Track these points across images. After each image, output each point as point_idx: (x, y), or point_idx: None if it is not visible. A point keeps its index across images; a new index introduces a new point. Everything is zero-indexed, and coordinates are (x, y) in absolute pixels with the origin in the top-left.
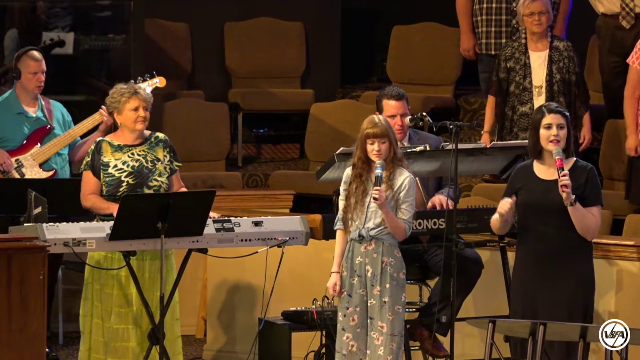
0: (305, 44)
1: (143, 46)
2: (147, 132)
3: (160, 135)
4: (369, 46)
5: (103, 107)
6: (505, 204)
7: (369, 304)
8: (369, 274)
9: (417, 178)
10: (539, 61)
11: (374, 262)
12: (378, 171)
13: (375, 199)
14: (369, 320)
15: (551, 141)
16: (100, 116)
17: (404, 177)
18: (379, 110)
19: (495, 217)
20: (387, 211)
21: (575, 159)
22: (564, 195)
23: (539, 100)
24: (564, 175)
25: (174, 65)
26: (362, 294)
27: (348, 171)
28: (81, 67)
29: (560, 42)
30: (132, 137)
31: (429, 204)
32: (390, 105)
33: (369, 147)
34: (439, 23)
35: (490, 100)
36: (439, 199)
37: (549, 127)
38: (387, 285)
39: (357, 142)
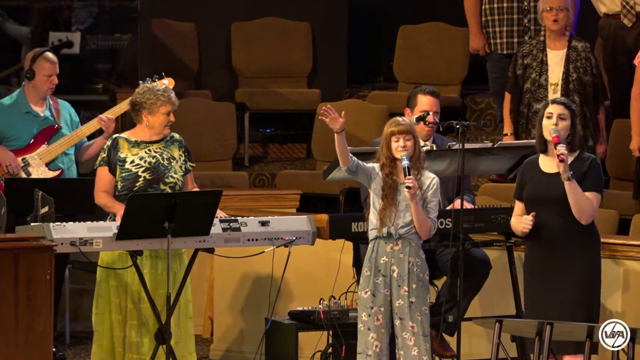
0: (312, 43)
1: (150, 46)
2: None
3: (176, 135)
4: (375, 46)
5: (101, 115)
6: (527, 223)
7: (397, 305)
8: (394, 274)
9: None
10: (556, 59)
11: (401, 262)
12: (405, 162)
13: (409, 187)
14: (398, 321)
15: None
16: (97, 123)
17: (431, 178)
18: (411, 105)
19: (517, 227)
20: (417, 202)
21: (579, 151)
22: (560, 168)
23: (554, 97)
24: (561, 146)
25: (180, 65)
26: (386, 294)
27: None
28: (88, 67)
29: (579, 42)
30: (150, 134)
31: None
32: (424, 101)
33: (394, 145)
34: (445, 23)
35: (507, 97)
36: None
37: (549, 116)
38: (414, 286)
39: (381, 143)
